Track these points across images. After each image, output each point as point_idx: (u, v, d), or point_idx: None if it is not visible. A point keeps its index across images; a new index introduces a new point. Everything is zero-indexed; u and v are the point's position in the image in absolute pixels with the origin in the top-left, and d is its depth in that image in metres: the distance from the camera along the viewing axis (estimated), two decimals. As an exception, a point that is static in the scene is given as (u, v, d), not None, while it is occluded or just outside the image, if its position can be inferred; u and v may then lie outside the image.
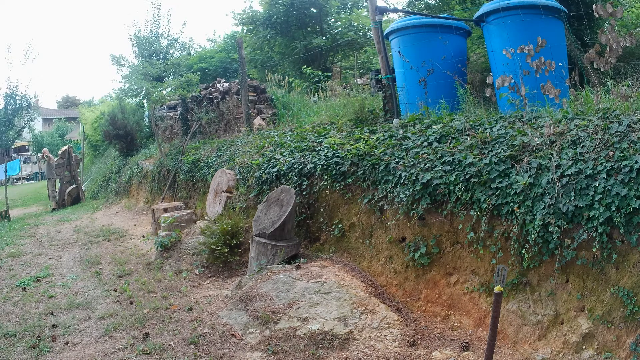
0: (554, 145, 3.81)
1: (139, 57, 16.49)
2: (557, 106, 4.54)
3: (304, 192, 5.74)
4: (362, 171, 5.10)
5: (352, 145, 5.49)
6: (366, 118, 6.55)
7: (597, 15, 4.13)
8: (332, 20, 15.06)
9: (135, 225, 9.48)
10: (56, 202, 13.58)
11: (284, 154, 6.50)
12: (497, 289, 2.75)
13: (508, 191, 3.77)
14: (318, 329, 3.90)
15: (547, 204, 3.50)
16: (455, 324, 4.03)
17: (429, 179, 4.32)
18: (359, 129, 6.15)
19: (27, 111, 22.81)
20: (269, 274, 4.76)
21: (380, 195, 4.86)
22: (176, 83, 11.63)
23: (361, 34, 14.55)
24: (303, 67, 12.18)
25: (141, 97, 15.18)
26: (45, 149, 15.60)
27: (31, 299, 5.19)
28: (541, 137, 3.95)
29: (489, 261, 3.95)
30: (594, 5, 4.08)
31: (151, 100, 11.97)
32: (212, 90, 11.63)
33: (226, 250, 5.83)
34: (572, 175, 3.46)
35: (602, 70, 4.14)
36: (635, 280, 3.10)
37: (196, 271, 5.89)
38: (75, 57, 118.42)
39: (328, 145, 5.82)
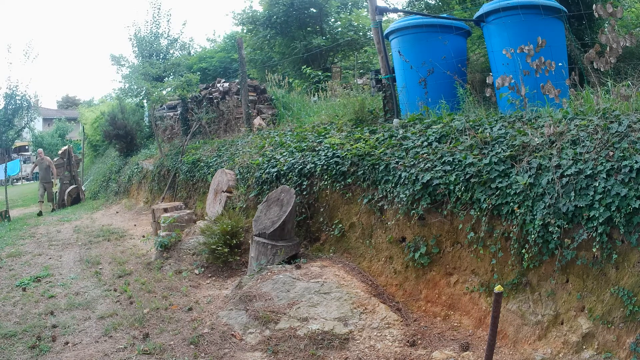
0: (554, 145, 3.81)
1: (139, 57, 16.48)
2: (557, 106, 4.54)
3: (304, 192, 5.73)
4: (362, 171, 5.09)
5: (352, 145, 5.49)
6: (366, 118, 6.55)
7: (597, 15, 4.13)
8: (332, 20, 15.05)
9: (135, 225, 9.48)
10: (41, 205, 12.92)
11: (284, 154, 6.50)
12: (497, 288, 2.74)
13: (508, 191, 3.76)
14: (318, 329, 3.90)
15: (547, 204, 3.50)
16: (455, 324, 4.03)
17: (429, 179, 4.32)
18: (359, 129, 6.15)
19: (27, 111, 22.79)
20: (269, 274, 4.76)
21: (380, 195, 4.86)
22: (176, 83, 11.63)
23: (361, 34, 14.55)
24: (303, 67, 12.18)
25: (141, 97, 15.17)
26: (40, 150, 14.88)
27: (31, 299, 5.19)
28: (541, 137, 3.95)
29: (489, 261, 3.95)
30: (594, 5, 4.08)
31: (151, 100, 11.97)
32: (212, 90, 11.64)
33: (226, 250, 5.83)
34: (572, 175, 3.46)
35: (602, 70, 4.14)
36: (635, 280, 3.10)
37: (196, 271, 5.89)
38: (75, 57, 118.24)
39: (328, 145, 5.82)
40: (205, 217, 7.09)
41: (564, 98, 4.55)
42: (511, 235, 3.72)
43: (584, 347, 3.22)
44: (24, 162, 29.20)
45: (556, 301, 3.49)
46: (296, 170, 5.90)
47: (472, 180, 4.02)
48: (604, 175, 3.30)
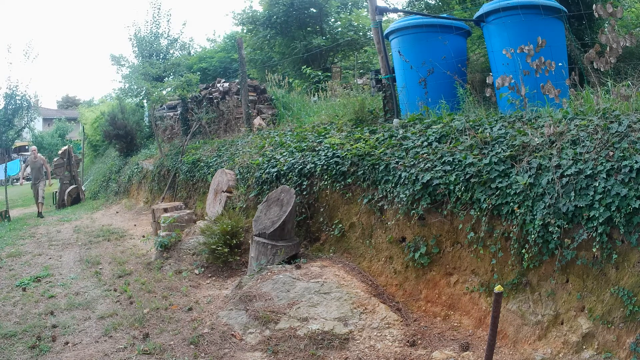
0: (554, 145, 3.81)
1: (139, 57, 16.47)
2: (557, 106, 4.54)
3: (304, 192, 5.73)
4: (362, 171, 5.09)
5: (352, 145, 5.49)
6: (366, 118, 6.55)
7: (597, 15, 4.13)
8: (332, 20, 15.05)
9: (135, 225, 9.48)
10: (39, 206, 12.03)
11: (284, 154, 6.50)
12: (497, 288, 2.74)
13: (508, 191, 3.76)
14: (318, 329, 3.90)
15: (547, 204, 3.50)
16: (455, 324, 4.03)
17: (429, 179, 4.32)
18: (359, 129, 6.15)
19: (27, 111, 22.76)
20: (269, 274, 4.76)
21: (380, 195, 4.86)
22: (176, 83, 11.63)
23: (361, 34, 14.55)
24: (303, 67, 12.18)
25: (141, 97, 15.17)
26: (34, 147, 13.96)
27: (31, 299, 5.19)
28: (541, 137, 3.95)
29: (489, 261, 3.95)
30: (594, 5, 4.08)
31: (151, 100, 11.97)
32: (212, 90, 11.64)
33: (226, 250, 5.83)
34: (572, 175, 3.46)
35: (602, 70, 4.14)
36: (635, 280, 3.10)
37: (196, 271, 5.89)
38: (75, 57, 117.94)
39: (328, 145, 5.82)
40: (205, 217, 7.09)
41: (564, 98, 4.55)
42: (511, 235, 3.72)
43: (584, 347, 3.22)
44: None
45: (556, 301, 3.49)
46: (296, 170, 5.90)
47: (472, 180, 4.02)
48: (604, 175, 3.30)
